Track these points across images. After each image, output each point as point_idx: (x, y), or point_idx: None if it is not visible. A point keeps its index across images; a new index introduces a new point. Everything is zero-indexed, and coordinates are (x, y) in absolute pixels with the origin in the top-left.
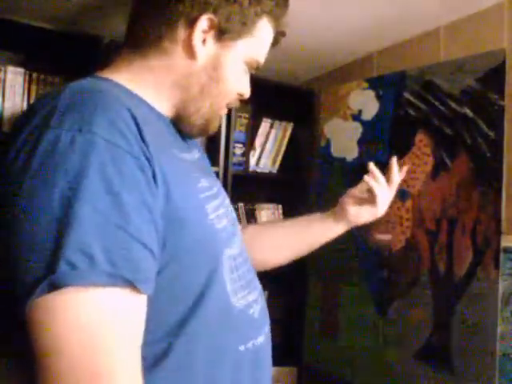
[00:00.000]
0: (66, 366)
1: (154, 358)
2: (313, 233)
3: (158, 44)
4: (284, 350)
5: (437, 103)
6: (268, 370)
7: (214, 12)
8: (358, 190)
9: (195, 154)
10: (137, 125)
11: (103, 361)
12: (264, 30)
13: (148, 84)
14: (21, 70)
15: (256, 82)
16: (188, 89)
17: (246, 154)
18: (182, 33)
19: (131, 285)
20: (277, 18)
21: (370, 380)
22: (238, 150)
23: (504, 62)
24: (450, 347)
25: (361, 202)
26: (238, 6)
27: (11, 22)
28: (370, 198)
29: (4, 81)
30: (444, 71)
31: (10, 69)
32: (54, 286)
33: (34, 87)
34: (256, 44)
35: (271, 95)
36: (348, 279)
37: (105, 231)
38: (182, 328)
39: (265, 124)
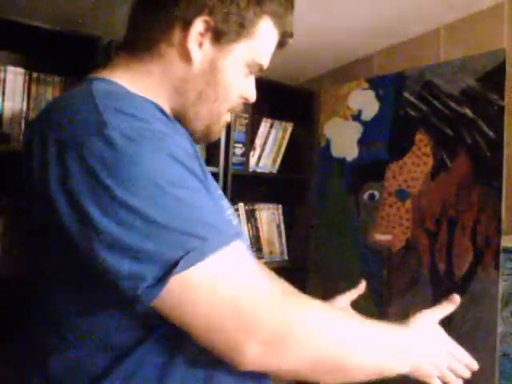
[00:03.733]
0: (247, 301)
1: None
2: None
3: (155, 48)
4: None
5: (437, 103)
6: None
7: (210, 14)
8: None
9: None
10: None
11: (259, 284)
12: (266, 31)
13: (147, 88)
14: (21, 70)
15: (256, 81)
16: (185, 94)
17: (245, 154)
18: (177, 36)
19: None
20: (280, 19)
21: (369, 380)
22: (238, 149)
23: (504, 62)
24: None
25: None
26: (235, 7)
27: (11, 22)
28: None
29: (4, 81)
30: (444, 71)
31: (10, 69)
32: (197, 259)
33: (34, 87)
34: (257, 46)
35: (271, 95)
36: (348, 279)
37: (207, 204)
38: None
39: (265, 124)
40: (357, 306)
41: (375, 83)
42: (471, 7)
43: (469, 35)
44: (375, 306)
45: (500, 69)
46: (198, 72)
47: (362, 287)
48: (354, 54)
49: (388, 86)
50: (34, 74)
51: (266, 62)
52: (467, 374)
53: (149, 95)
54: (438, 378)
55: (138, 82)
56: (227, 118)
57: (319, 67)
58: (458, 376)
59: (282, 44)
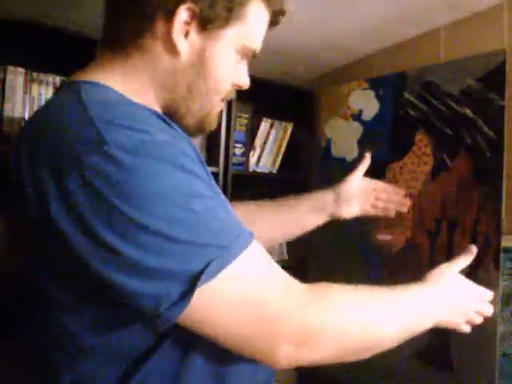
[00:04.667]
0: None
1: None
2: (298, 224)
3: (139, 42)
4: None
5: (437, 103)
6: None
7: (194, 0)
8: (359, 182)
9: None
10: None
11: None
12: (255, 12)
13: (135, 86)
14: (21, 70)
15: (256, 82)
16: (175, 88)
17: (245, 154)
18: (161, 27)
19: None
20: None
21: (369, 380)
22: (238, 150)
23: (504, 62)
24: (450, 347)
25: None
26: None
27: (11, 21)
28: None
29: (4, 81)
30: (444, 71)
31: (10, 69)
32: (219, 268)
33: (34, 87)
34: (247, 30)
35: (271, 95)
36: (348, 279)
37: (219, 210)
38: None
39: (265, 124)
40: None
41: (375, 83)
42: (471, 7)
43: (469, 35)
44: None
45: (500, 69)
46: (186, 64)
47: (367, 160)
48: (354, 54)
49: (388, 86)
50: (34, 74)
51: (258, 46)
52: (490, 311)
53: (139, 95)
54: (466, 322)
55: (126, 82)
56: (220, 106)
57: (319, 67)
58: (481, 315)
59: (273, 23)
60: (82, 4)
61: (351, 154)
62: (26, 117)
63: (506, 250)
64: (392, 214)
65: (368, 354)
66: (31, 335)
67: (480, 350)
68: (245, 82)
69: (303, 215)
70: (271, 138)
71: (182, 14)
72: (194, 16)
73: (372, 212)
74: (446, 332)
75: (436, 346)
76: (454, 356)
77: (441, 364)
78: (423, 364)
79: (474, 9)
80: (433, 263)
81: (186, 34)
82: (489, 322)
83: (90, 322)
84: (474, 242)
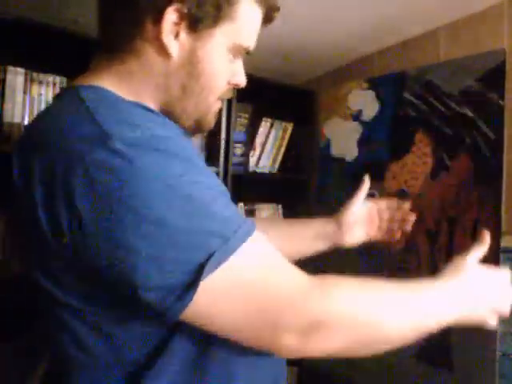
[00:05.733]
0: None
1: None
2: (306, 243)
3: (132, 46)
4: None
5: (437, 103)
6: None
7: (182, 1)
8: (360, 207)
9: None
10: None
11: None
12: (247, 10)
13: (131, 89)
14: (21, 69)
15: (256, 81)
16: (169, 90)
17: (245, 154)
18: (150, 30)
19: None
20: None
21: (370, 380)
22: (238, 150)
23: (504, 62)
24: (450, 347)
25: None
26: None
27: (11, 21)
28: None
29: (4, 81)
30: (444, 71)
31: (10, 69)
32: (223, 260)
33: (34, 87)
34: (239, 28)
35: (271, 95)
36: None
37: (221, 200)
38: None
39: (265, 124)
40: None
41: (375, 83)
42: (471, 7)
43: (469, 35)
44: None
45: (500, 69)
46: (178, 65)
47: (366, 184)
48: (353, 53)
49: (388, 86)
50: (34, 74)
51: (251, 43)
52: None
53: (135, 97)
54: (493, 314)
55: (122, 86)
56: (218, 106)
57: (319, 67)
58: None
59: (268, 20)
60: (82, 4)
61: (351, 153)
62: (26, 117)
63: (506, 250)
64: (397, 237)
65: (376, 349)
66: (32, 335)
67: (480, 350)
68: (241, 81)
69: (308, 240)
70: (271, 137)
71: (170, 15)
72: (182, 17)
73: (378, 237)
74: (446, 332)
75: (436, 345)
76: (454, 356)
77: (441, 364)
78: (423, 364)
79: (474, 9)
80: (433, 263)
81: (176, 35)
82: None
83: (93, 323)
84: (473, 241)
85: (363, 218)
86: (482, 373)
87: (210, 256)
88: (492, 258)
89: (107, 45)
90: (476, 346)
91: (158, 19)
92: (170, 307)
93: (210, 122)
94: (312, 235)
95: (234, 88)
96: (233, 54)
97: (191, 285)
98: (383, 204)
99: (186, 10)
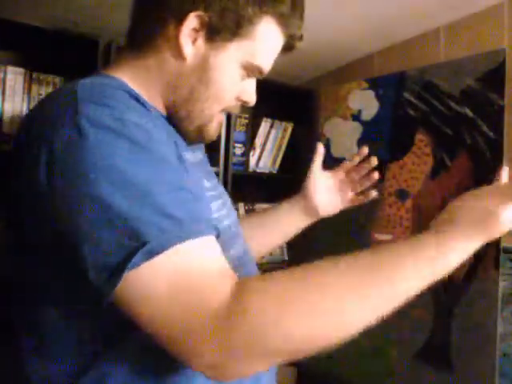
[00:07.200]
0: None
1: None
2: (283, 230)
3: (153, 42)
4: None
5: (437, 103)
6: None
7: (206, 9)
8: (323, 177)
9: (198, 155)
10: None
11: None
12: (267, 32)
13: (146, 83)
14: (21, 70)
15: (256, 81)
16: (178, 90)
17: (245, 154)
18: (172, 31)
19: (204, 233)
20: (285, 20)
21: (369, 380)
22: (238, 150)
23: (504, 62)
24: (450, 347)
25: (327, 190)
26: (232, 4)
27: (11, 21)
28: (340, 188)
29: (4, 81)
30: (444, 71)
31: (10, 69)
32: (155, 252)
33: (34, 87)
34: (255, 48)
35: (271, 95)
36: None
37: (172, 193)
38: None
39: (265, 124)
40: None
41: (375, 83)
42: (471, 7)
43: (469, 35)
44: None
45: (500, 69)
46: (190, 68)
47: (320, 150)
48: (354, 53)
49: (388, 85)
50: (34, 74)
51: (266, 65)
52: None
53: (148, 91)
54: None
55: (138, 79)
56: (221, 118)
57: (319, 67)
58: None
59: (289, 47)
60: (82, 5)
61: (351, 153)
62: None
63: (506, 250)
64: (373, 195)
65: (346, 336)
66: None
67: (480, 350)
68: (250, 99)
69: (282, 224)
70: (271, 137)
71: (192, 20)
72: (203, 24)
73: (355, 202)
74: (446, 332)
75: (436, 346)
76: (453, 356)
77: (441, 364)
78: (423, 364)
79: (474, 9)
80: None
81: (194, 41)
82: (489, 322)
83: (55, 296)
84: None
85: (333, 186)
86: (482, 373)
87: (144, 245)
88: (492, 257)
89: (132, 41)
90: (476, 346)
91: (180, 21)
92: (102, 286)
93: (213, 132)
94: (284, 218)
95: (243, 106)
96: (246, 72)
97: (118, 269)
98: (347, 167)
99: (207, 19)
